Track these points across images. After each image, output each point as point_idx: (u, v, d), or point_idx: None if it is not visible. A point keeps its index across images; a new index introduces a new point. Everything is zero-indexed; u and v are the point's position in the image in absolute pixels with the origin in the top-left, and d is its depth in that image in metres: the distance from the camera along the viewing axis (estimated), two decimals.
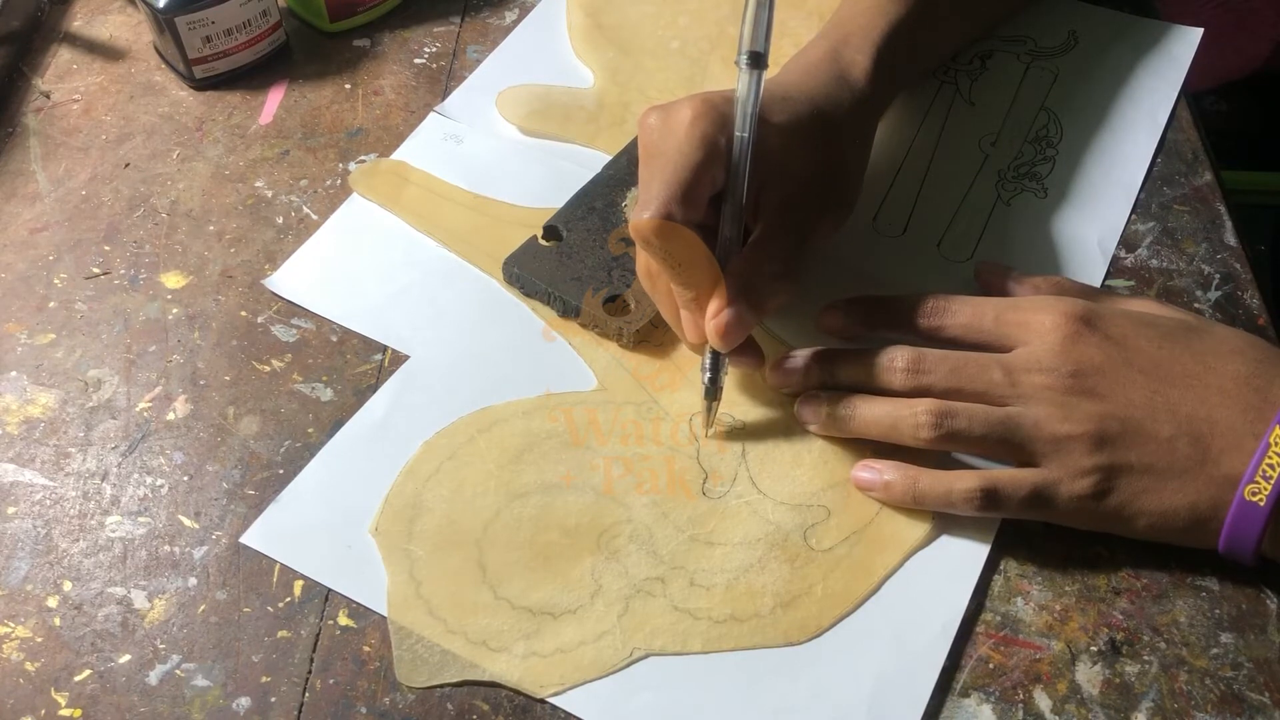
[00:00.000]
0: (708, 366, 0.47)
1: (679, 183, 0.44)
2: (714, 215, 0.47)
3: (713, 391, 0.47)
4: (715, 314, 0.45)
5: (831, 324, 0.50)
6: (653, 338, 0.51)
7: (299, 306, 0.53)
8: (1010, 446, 0.44)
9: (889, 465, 0.46)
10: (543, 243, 0.53)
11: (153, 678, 0.42)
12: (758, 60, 0.45)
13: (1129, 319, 0.46)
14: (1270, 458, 0.42)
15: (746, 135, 0.45)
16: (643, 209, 0.44)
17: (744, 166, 0.46)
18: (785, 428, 0.49)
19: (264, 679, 0.42)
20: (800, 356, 0.48)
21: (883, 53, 0.52)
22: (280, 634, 0.43)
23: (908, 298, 0.49)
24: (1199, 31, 0.64)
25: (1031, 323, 0.46)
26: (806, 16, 0.64)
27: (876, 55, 0.52)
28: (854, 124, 0.51)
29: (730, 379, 0.50)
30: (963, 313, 0.47)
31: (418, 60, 0.64)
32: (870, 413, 0.46)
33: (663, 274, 0.46)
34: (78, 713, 0.41)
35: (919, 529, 0.45)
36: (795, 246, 0.47)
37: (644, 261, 0.47)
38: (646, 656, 0.43)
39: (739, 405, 0.49)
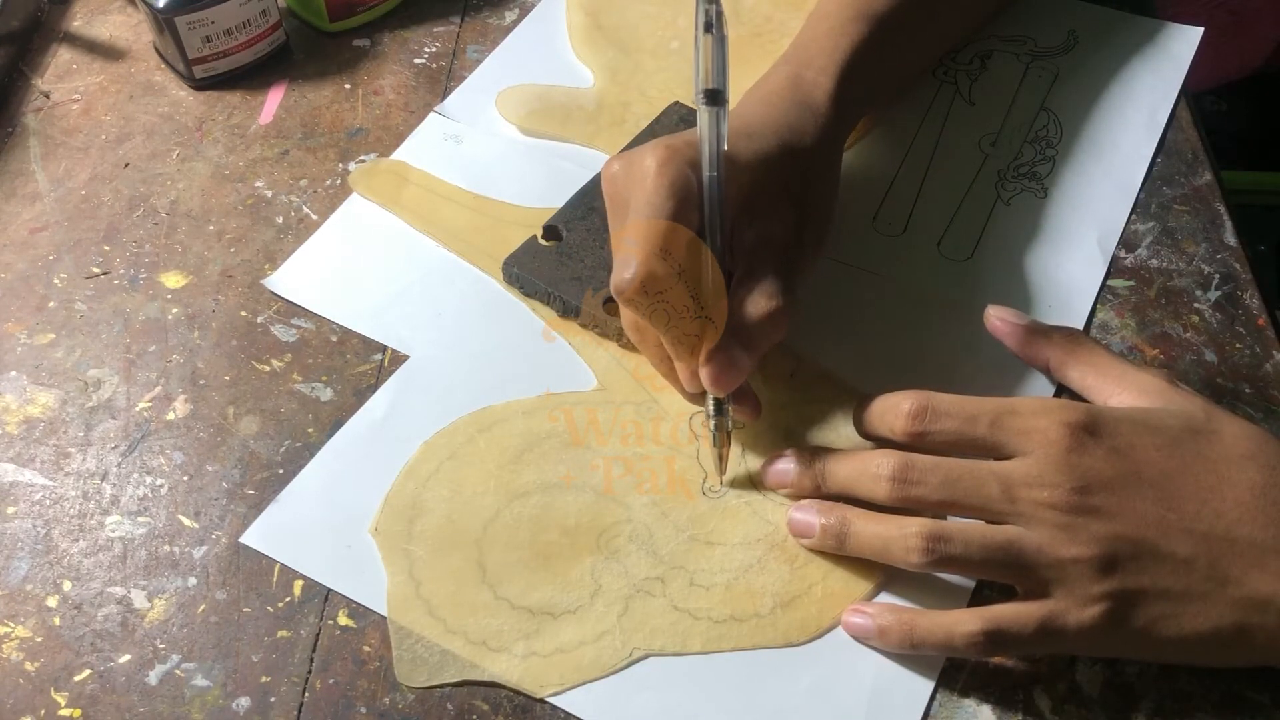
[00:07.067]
0: (712, 413, 0.45)
1: (655, 236, 0.42)
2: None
3: (721, 438, 0.46)
4: (706, 359, 0.44)
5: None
6: None
7: (299, 306, 0.53)
8: (1011, 572, 0.41)
9: (882, 609, 0.42)
10: (542, 243, 0.53)
11: (152, 678, 0.42)
12: (715, 97, 0.43)
13: (1135, 425, 0.42)
14: None
15: (716, 174, 0.43)
16: (622, 269, 0.42)
17: (718, 207, 0.44)
18: (785, 428, 0.48)
19: (264, 679, 0.42)
20: (790, 457, 0.46)
21: (845, 74, 0.51)
22: (280, 634, 0.43)
23: (888, 398, 0.44)
24: (1199, 31, 0.64)
25: (1031, 430, 0.41)
26: (806, 16, 0.64)
27: (839, 77, 0.51)
28: (820, 152, 0.49)
29: None
30: (952, 417, 0.42)
31: (418, 60, 0.64)
32: (863, 532, 0.43)
33: (650, 328, 0.45)
34: (77, 713, 0.41)
35: None
36: (777, 283, 0.44)
37: (629, 317, 0.46)
38: (646, 656, 0.43)
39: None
